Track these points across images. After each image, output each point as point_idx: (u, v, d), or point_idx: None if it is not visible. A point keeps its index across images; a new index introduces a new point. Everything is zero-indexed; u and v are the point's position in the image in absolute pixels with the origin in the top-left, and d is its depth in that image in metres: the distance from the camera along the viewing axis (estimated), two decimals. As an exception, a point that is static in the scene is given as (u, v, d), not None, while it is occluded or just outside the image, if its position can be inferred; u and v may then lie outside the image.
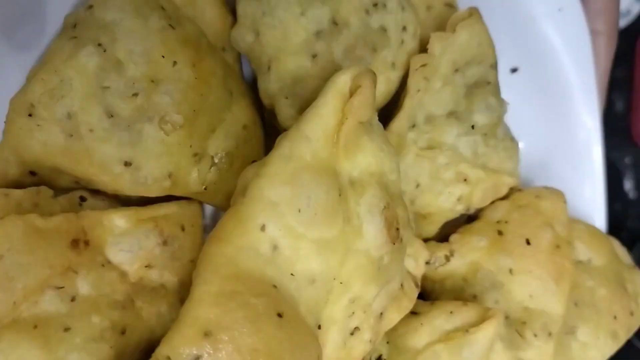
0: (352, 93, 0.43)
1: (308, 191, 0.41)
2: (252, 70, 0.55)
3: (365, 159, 0.44)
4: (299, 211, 0.41)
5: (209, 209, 0.59)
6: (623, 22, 0.87)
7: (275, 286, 0.40)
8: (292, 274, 0.41)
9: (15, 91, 0.49)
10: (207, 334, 0.36)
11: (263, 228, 0.40)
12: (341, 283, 0.43)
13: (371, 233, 0.44)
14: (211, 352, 0.36)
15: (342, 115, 0.43)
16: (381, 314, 0.48)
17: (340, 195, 0.43)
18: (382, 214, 0.44)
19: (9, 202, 0.44)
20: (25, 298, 0.41)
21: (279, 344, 0.38)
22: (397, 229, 0.46)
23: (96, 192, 0.49)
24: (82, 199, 0.48)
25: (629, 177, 0.97)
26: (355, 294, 0.44)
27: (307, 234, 0.41)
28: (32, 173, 0.47)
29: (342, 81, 0.43)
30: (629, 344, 1.02)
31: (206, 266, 0.39)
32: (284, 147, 0.42)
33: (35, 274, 0.41)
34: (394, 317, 0.50)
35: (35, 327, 0.41)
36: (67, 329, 0.42)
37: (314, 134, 0.42)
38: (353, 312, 0.45)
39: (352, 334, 0.46)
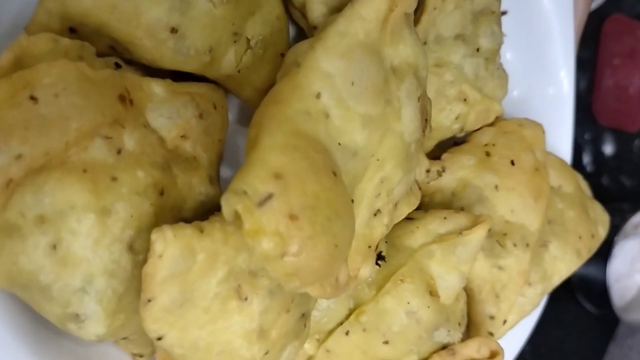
0: (400, -15, 0.46)
1: (362, 66, 0.44)
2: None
3: (405, 49, 0.48)
4: (352, 84, 0.44)
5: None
6: (592, 5, 0.96)
7: (327, 150, 0.43)
8: (339, 144, 0.44)
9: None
10: (277, 176, 0.38)
11: (318, 96, 0.43)
12: (378, 160, 0.46)
13: (408, 116, 0.47)
14: (283, 191, 0.38)
15: (391, 3, 0.46)
16: (396, 204, 0.52)
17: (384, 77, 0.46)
18: (419, 101, 0.48)
19: (58, 48, 0.43)
20: (76, 141, 0.40)
21: (335, 196, 0.41)
22: (426, 119, 0.49)
23: (129, 62, 0.49)
24: (117, 65, 0.48)
25: (587, 152, 1.06)
26: (386, 174, 0.47)
27: (356, 108, 0.44)
28: (72, 30, 0.46)
29: (395, -28, 0.46)
30: (580, 306, 1.08)
31: (269, 121, 0.41)
32: (340, 24, 0.44)
33: (88, 118, 0.41)
34: (404, 210, 0.53)
35: (85, 171, 0.40)
36: (114, 179, 0.42)
37: (368, 15, 0.45)
38: (379, 193, 0.48)
39: (375, 214, 0.49)
